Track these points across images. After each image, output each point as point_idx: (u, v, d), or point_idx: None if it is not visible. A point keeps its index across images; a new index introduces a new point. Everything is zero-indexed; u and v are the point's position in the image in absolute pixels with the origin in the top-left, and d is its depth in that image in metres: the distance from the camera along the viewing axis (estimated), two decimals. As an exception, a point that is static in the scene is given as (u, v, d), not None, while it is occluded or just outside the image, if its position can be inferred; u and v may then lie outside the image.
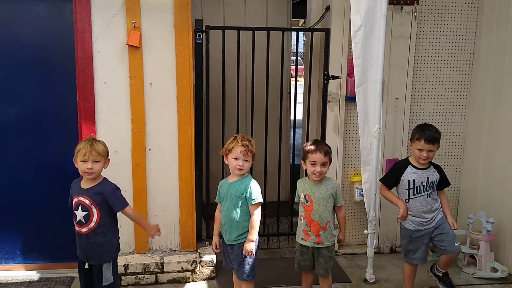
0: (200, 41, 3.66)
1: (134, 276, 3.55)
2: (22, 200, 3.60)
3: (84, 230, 2.72)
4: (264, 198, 3.79)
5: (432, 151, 3.12)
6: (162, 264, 3.57)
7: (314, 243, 3.05)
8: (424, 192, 3.17)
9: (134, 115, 3.50)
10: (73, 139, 3.43)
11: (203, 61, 3.75)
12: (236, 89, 3.98)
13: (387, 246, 4.21)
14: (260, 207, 2.90)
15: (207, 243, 3.94)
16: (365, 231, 3.57)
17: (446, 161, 4.20)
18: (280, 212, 4.19)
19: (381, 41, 3.21)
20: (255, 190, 2.87)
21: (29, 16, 3.43)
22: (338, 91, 3.89)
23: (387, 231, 4.18)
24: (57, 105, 3.53)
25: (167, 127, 3.57)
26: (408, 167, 3.21)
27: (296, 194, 3.15)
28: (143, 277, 3.57)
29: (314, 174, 2.97)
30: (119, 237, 2.89)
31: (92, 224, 2.71)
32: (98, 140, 2.78)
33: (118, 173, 3.50)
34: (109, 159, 2.83)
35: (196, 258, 3.65)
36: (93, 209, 2.70)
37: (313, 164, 2.96)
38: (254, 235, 2.86)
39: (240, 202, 2.88)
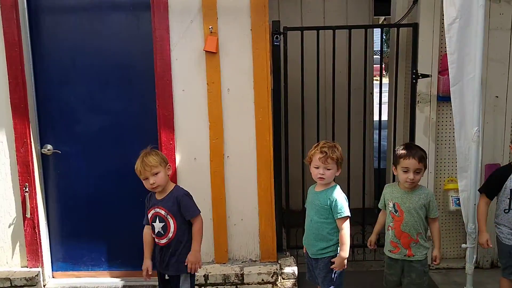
0: (278, 44, 3.57)
1: (214, 286, 3.52)
2: (107, 209, 3.72)
3: (163, 241, 2.72)
4: (348, 205, 3.65)
5: None
6: (242, 275, 3.51)
7: (404, 256, 2.83)
8: None
9: (212, 122, 3.48)
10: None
11: (281, 64, 3.65)
12: (316, 92, 3.84)
13: (487, 261, 3.84)
14: (348, 221, 2.74)
15: (288, 253, 3.83)
16: (463, 245, 3.24)
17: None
18: (365, 220, 3.97)
19: (479, 34, 2.91)
20: (342, 203, 2.72)
21: (111, 27, 3.54)
22: (428, 90, 3.61)
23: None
24: (137, 115, 3.60)
25: (245, 134, 3.52)
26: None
27: (381, 198, 2.95)
28: (223, 288, 3.54)
29: (407, 182, 2.75)
30: None
31: (171, 234, 2.70)
32: (150, 152, 2.75)
33: (197, 181, 3.53)
34: (170, 165, 2.81)
35: (277, 269, 3.55)
36: (169, 219, 2.69)
37: (405, 171, 2.75)
38: (346, 251, 2.73)
39: (325, 213, 2.74)
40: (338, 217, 2.70)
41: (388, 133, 4.30)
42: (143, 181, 2.72)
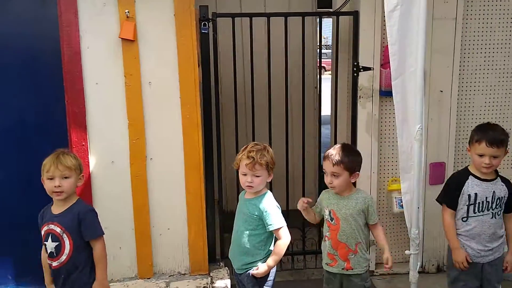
0: (206, 31, 3.24)
1: (136, 306, 3.17)
2: (11, 220, 3.26)
3: (55, 264, 2.33)
4: (287, 207, 3.39)
5: (497, 158, 2.57)
6: (168, 291, 3.18)
7: (342, 269, 2.58)
8: (488, 210, 2.63)
9: (132, 120, 3.11)
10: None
11: (211, 54, 3.32)
12: (251, 85, 3.53)
13: (433, 265, 3.68)
14: (284, 230, 2.46)
15: (222, 263, 3.53)
16: (407, 252, 3.05)
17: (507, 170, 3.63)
18: (305, 224, 3.71)
19: (422, 23, 2.69)
20: (273, 213, 2.43)
21: (11, 8, 3.07)
22: (370, 84, 3.39)
23: (432, 247, 3.65)
24: (44, 112, 3.17)
25: (171, 133, 3.18)
26: (469, 178, 2.68)
27: (317, 204, 2.72)
28: (147, 307, 3.19)
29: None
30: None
31: (64, 257, 2.32)
32: (67, 153, 2.39)
33: (116, 187, 3.17)
34: (83, 175, 2.44)
35: (207, 283, 3.25)
36: (65, 239, 2.31)
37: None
38: (274, 262, 2.44)
39: (253, 224, 2.45)
40: (270, 229, 2.42)
41: (331, 131, 4.07)
42: (45, 181, 2.33)
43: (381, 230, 2.67)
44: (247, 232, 2.45)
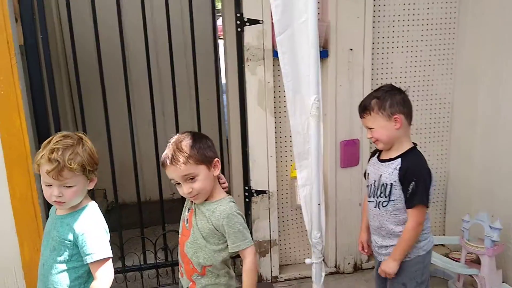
0: (25, -29, 2.35)
1: None
2: None
3: None
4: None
5: (372, 129, 2.04)
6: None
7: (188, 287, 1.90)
8: (373, 197, 2.11)
9: None
10: None
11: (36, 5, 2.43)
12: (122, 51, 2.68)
13: (349, 263, 3.10)
14: (108, 266, 1.71)
15: None
16: (307, 261, 2.42)
17: (426, 138, 3.07)
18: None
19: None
20: (93, 238, 1.67)
21: None
22: (260, 43, 2.65)
23: (348, 243, 3.05)
24: None
25: (-23, 117, 2.32)
26: (376, 154, 2.17)
27: None
28: None
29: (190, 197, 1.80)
30: None
31: None
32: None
33: None
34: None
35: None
36: None
37: (177, 183, 1.78)
38: None
39: (65, 255, 1.68)
40: (87, 261, 1.67)
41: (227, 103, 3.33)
42: None
43: (251, 263, 1.81)
44: (57, 266, 1.68)
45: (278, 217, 2.96)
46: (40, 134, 2.50)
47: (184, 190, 1.75)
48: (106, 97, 2.68)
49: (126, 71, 2.68)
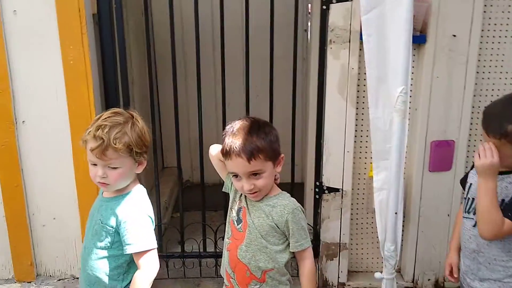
0: None
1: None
2: None
3: None
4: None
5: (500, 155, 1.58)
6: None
7: None
8: (472, 214, 1.71)
9: (-11, 64, 2.24)
10: None
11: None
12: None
13: (429, 279, 2.74)
14: (152, 256, 1.57)
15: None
16: (377, 275, 2.14)
17: None
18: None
19: None
20: (135, 228, 1.54)
21: None
22: (346, 23, 2.36)
23: (430, 256, 2.70)
24: None
25: (49, 85, 2.31)
26: None
27: (226, 182, 1.76)
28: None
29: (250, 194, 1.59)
30: None
31: None
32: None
33: None
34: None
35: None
36: None
37: (235, 176, 1.57)
38: None
39: (106, 241, 1.57)
40: (127, 251, 1.54)
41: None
42: None
43: (310, 267, 1.64)
44: (97, 252, 1.58)
45: (351, 219, 2.68)
46: (109, 107, 2.44)
47: (245, 186, 1.54)
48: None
49: (198, 45, 2.51)
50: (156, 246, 1.58)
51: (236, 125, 1.58)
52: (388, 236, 2.05)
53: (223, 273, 1.73)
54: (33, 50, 2.26)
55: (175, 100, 2.55)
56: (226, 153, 1.55)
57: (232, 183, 1.68)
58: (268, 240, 1.59)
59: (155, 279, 2.53)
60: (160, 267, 2.74)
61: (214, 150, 1.73)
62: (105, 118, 1.52)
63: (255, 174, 1.53)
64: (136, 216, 1.55)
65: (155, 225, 2.63)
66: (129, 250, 1.53)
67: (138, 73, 3.12)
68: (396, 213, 2.00)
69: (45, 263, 2.54)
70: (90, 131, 1.51)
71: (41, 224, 2.48)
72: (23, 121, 2.33)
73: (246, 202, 1.64)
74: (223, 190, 1.77)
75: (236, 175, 1.56)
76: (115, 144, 1.47)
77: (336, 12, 2.36)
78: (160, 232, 2.75)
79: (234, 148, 1.51)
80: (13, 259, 2.49)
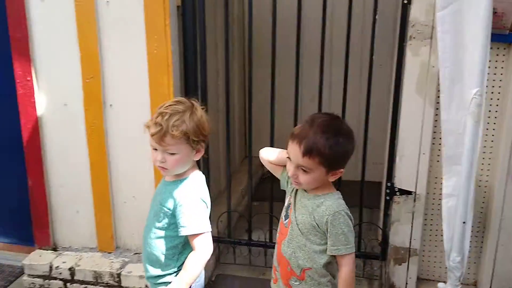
0: None
1: (84, 285, 2.65)
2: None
3: None
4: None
5: None
6: (119, 275, 2.59)
7: None
8: None
9: (84, 51, 2.46)
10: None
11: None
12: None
13: (502, 295, 2.57)
14: (206, 238, 1.66)
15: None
16: (441, 285, 2.05)
17: None
18: (364, 203, 2.69)
19: None
20: (190, 211, 1.63)
21: None
22: (429, 19, 2.25)
23: (509, 271, 2.51)
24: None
25: (134, 73, 2.48)
26: None
27: (282, 181, 1.78)
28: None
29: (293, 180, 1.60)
30: None
31: None
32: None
33: (70, 137, 2.64)
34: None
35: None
36: None
37: (289, 158, 1.58)
38: (181, 283, 1.63)
39: (165, 220, 1.68)
40: (182, 233, 1.64)
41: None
42: None
43: (348, 272, 1.58)
44: (155, 231, 1.70)
45: (425, 224, 2.57)
46: (187, 96, 2.57)
47: (290, 171, 1.56)
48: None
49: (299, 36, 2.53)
50: (209, 230, 1.66)
51: (321, 118, 1.58)
52: (454, 246, 1.96)
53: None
54: (121, 39, 2.43)
55: (272, 92, 2.61)
56: (293, 133, 1.55)
57: (287, 181, 1.71)
58: (308, 239, 1.60)
59: (222, 263, 2.65)
60: (227, 252, 2.88)
61: (265, 153, 1.78)
62: (167, 106, 1.62)
63: (304, 170, 1.54)
64: (191, 200, 1.64)
65: (226, 212, 2.79)
66: (183, 232, 1.63)
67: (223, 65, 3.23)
68: (464, 222, 1.90)
69: (124, 237, 2.75)
70: (152, 118, 1.62)
71: (122, 201, 2.68)
72: (110, 105, 2.53)
73: (295, 199, 1.66)
74: (281, 188, 1.80)
75: (289, 158, 1.58)
76: (173, 131, 1.56)
77: (418, 6, 2.25)
78: (229, 219, 2.86)
79: (301, 135, 1.51)
80: (97, 231, 2.73)
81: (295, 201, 1.65)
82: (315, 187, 1.59)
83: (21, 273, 2.74)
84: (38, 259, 2.70)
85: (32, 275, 2.67)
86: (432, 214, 2.58)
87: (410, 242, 2.56)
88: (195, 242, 1.63)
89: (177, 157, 1.61)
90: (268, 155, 1.77)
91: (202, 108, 1.67)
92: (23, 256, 2.77)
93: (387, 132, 2.61)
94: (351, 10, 2.46)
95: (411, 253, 2.58)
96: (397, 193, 2.49)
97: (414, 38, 2.30)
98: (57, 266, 2.63)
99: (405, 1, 2.26)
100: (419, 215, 2.51)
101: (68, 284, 2.63)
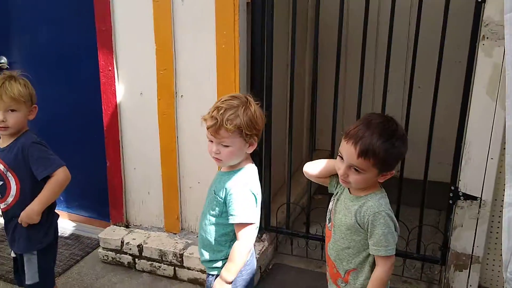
0: None
1: (150, 261, 2.85)
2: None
3: (3, 206, 2.08)
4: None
5: None
6: (181, 255, 2.76)
7: None
8: None
9: (159, 45, 2.63)
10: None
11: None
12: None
13: None
14: (250, 230, 1.75)
15: (265, 236, 2.92)
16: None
17: None
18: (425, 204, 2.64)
19: None
20: (239, 201, 1.72)
21: None
22: (502, 18, 2.14)
23: None
24: (75, 29, 2.93)
25: (203, 67, 2.61)
26: None
27: (331, 186, 1.80)
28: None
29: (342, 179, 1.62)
30: (55, 221, 2.16)
31: (11, 198, 2.03)
32: (18, 78, 2.00)
33: (144, 123, 2.84)
34: (35, 106, 2.06)
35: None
36: (9, 177, 2.01)
37: (341, 157, 1.60)
38: (228, 272, 1.75)
39: (218, 208, 1.79)
40: (230, 221, 1.74)
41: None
42: None
43: (381, 274, 1.58)
44: (210, 218, 1.81)
45: (491, 232, 2.47)
46: (254, 83, 2.66)
47: (341, 170, 1.58)
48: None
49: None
50: (255, 221, 1.75)
51: (377, 119, 1.58)
52: (512, 257, 1.88)
53: None
54: (193, 34, 2.56)
55: (336, 85, 2.65)
56: (348, 133, 1.56)
57: (335, 185, 1.75)
58: (353, 239, 1.62)
59: (280, 253, 2.73)
60: (285, 242, 2.94)
61: (310, 168, 1.80)
62: (223, 100, 1.72)
63: (356, 168, 1.56)
64: (241, 191, 1.73)
65: (286, 204, 2.86)
66: (231, 220, 1.73)
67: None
68: (524, 233, 1.82)
69: (189, 220, 2.92)
70: (209, 111, 1.72)
71: (188, 186, 2.84)
72: (181, 96, 2.69)
73: (336, 202, 1.69)
74: (329, 191, 1.83)
75: (341, 157, 1.59)
76: (227, 125, 1.65)
77: (493, 5, 2.16)
78: (288, 210, 2.93)
79: (357, 136, 1.52)
80: (164, 213, 2.92)
81: (337, 204, 1.69)
82: (362, 188, 1.62)
83: (97, 245, 3.01)
84: (112, 234, 2.94)
85: (106, 248, 2.92)
86: (499, 222, 2.47)
87: (473, 249, 2.48)
88: (240, 233, 1.73)
89: (230, 149, 1.70)
90: (313, 169, 1.79)
91: (257, 104, 1.75)
92: (99, 230, 3.04)
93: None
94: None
95: (473, 260, 2.50)
96: (461, 197, 2.42)
97: (487, 38, 2.21)
98: (128, 242, 2.85)
99: (479, 0, 2.18)
100: (483, 222, 2.42)
101: (136, 260, 2.86)
